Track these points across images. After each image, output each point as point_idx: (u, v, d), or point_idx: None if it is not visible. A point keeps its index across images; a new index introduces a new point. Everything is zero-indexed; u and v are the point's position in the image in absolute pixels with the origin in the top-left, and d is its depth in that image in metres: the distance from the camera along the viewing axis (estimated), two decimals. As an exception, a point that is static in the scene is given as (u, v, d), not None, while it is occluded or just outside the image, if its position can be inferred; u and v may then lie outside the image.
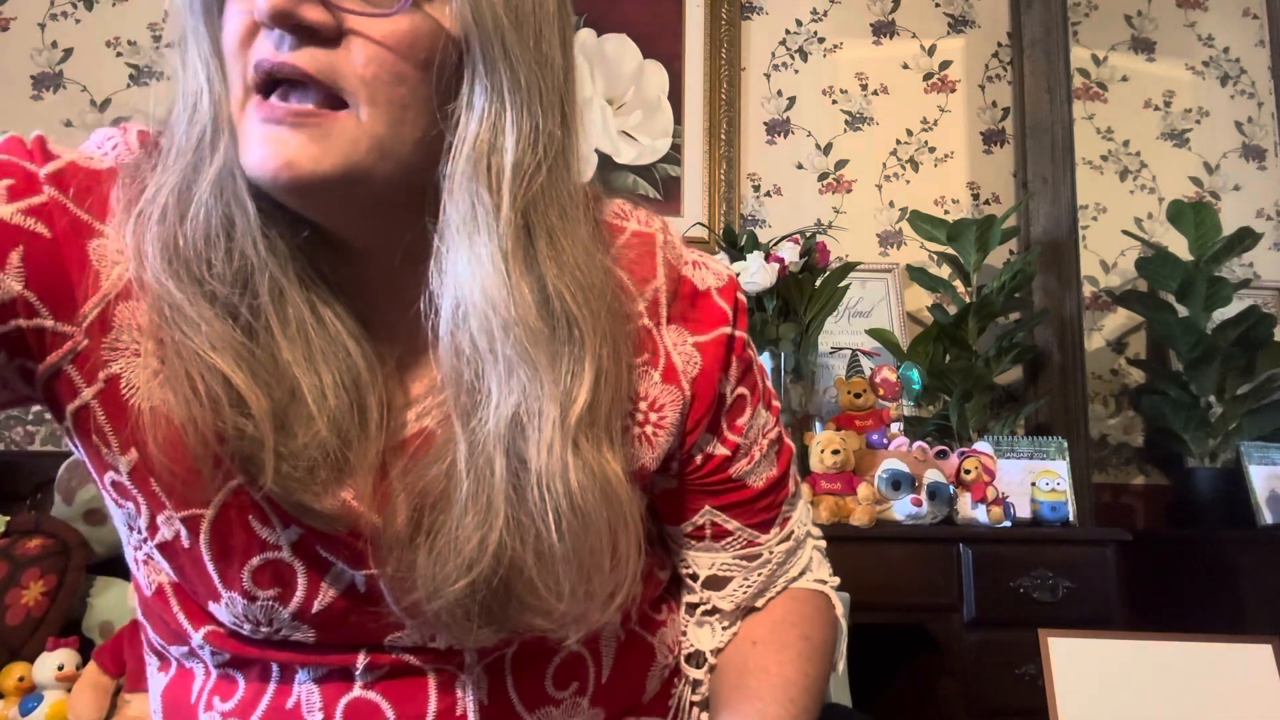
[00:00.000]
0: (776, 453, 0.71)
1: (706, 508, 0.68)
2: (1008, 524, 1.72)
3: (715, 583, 0.70)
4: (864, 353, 2.07)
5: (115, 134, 0.57)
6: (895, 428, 1.87)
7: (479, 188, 0.50)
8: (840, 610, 0.75)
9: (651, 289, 0.62)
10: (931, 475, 1.71)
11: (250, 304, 0.50)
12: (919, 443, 1.80)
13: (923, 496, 1.69)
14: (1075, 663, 1.13)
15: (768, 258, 1.93)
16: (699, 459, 0.66)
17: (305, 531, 0.54)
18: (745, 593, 0.70)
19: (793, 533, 0.73)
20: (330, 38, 0.47)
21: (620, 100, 2.27)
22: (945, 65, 2.43)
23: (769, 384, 0.73)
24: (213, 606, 0.56)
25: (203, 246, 0.50)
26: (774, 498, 0.70)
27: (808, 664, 0.67)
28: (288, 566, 0.54)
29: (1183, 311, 2.17)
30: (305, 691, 0.57)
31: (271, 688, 0.57)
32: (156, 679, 0.63)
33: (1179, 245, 2.23)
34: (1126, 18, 2.52)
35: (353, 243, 0.55)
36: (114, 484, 0.55)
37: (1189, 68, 2.52)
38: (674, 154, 2.27)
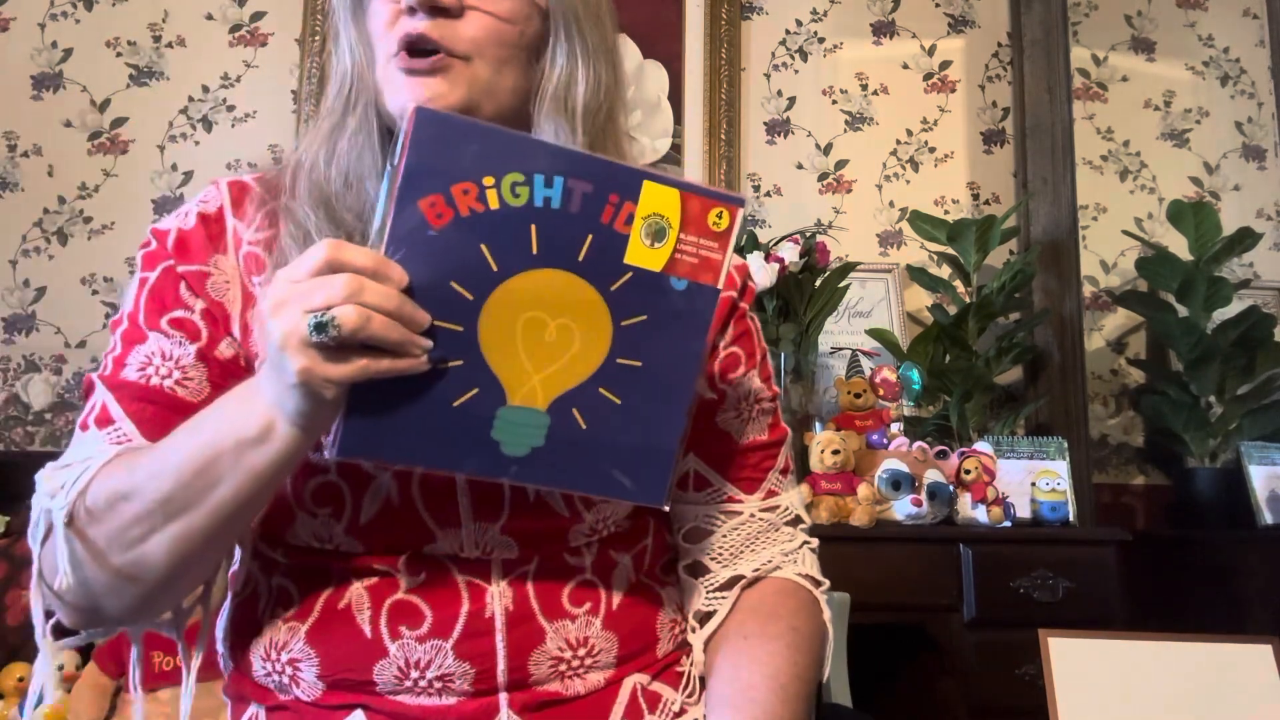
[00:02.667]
0: (769, 425, 0.80)
1: (691, 456, 0.77)
2: (1008, 524, 1.72)
3: (697, 535, 0.78)
4: (864, 353, 2.07)
5: (270, 166, 0.84)
6: (895, 428, 1.88)
7: (561, 119, 0.68)
8: (828, 615, 0.78)
9: None
10: (931, 475, 1.71)
11: (365, 234, 0.66)
12: (919, 443, 1.80)
13: (923, 497, 1.69)
14: (1075, 663, 1.13)
15: (768, 258, 1.94)
16: None
17: None
18: (725, 550, 0.76)
19: (779, 505, 0.79)
20: (455, 13, 0.65)
21: (620, 100, 2.28)
22: (945, 65, 2.43)
23: (770, 367, 0.81)
24: (287, 534, 0.69)
25: (340, 186, 0.68)
26: (758, 459, 0.78)
27: (796, 653, 0.72)
28: (335, 486, 0.66)
29: (1183, 311, 2.17)
30: (355, 595, 0.67)
31: (327, 593, 0.68)
32: (224, 615, 0.75)
33: (1179, 245, 2.23)
34: (1126, 18, 2.52)
35: None
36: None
37: (1189, 68, 2.52)
38: (674, 154, 2.27)
